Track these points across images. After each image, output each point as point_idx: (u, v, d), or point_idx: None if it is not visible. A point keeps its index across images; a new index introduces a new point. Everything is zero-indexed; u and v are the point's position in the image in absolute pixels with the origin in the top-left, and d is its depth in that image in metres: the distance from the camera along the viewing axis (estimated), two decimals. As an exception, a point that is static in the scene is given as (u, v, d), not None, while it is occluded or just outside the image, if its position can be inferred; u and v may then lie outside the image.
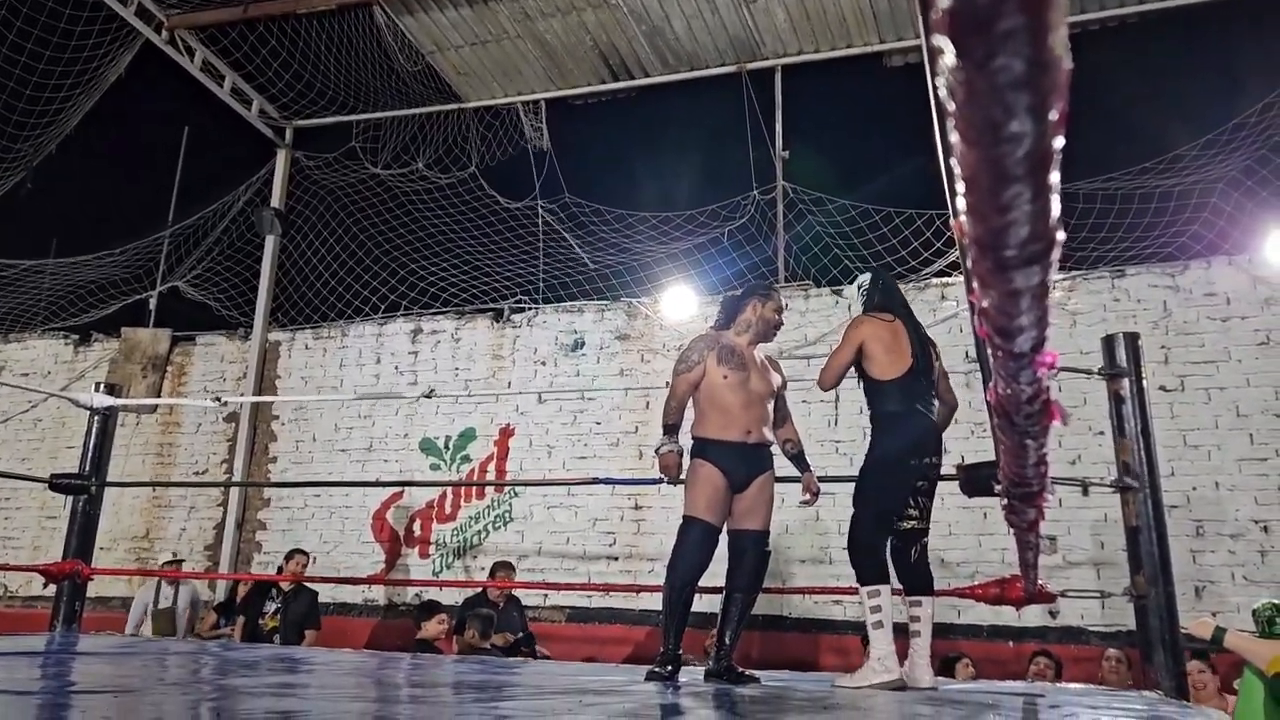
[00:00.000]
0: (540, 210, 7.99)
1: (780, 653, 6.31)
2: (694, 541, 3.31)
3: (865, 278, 3.75)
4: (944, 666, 5.22)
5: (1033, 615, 5.66)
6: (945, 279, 7.01)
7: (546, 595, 7.04)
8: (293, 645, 6.41)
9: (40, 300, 9.22)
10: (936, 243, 6.97)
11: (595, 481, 5.82)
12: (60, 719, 1.88)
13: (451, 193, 8.22)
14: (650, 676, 3.19)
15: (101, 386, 5.41)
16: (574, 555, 7.20)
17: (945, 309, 6.75)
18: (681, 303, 7.49)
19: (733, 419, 3.41)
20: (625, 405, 7.46)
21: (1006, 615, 5.46)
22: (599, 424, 7.49)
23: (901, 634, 3.24)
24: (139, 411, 8.63)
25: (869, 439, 3.46)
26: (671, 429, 3.46)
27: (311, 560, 7.23)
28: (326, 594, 7.68)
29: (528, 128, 8.31)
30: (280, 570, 6.94)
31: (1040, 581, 3.47)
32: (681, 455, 3.43)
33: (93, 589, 5.58)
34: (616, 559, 7.13)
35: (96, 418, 5.25)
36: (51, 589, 5.19)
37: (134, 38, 7.76)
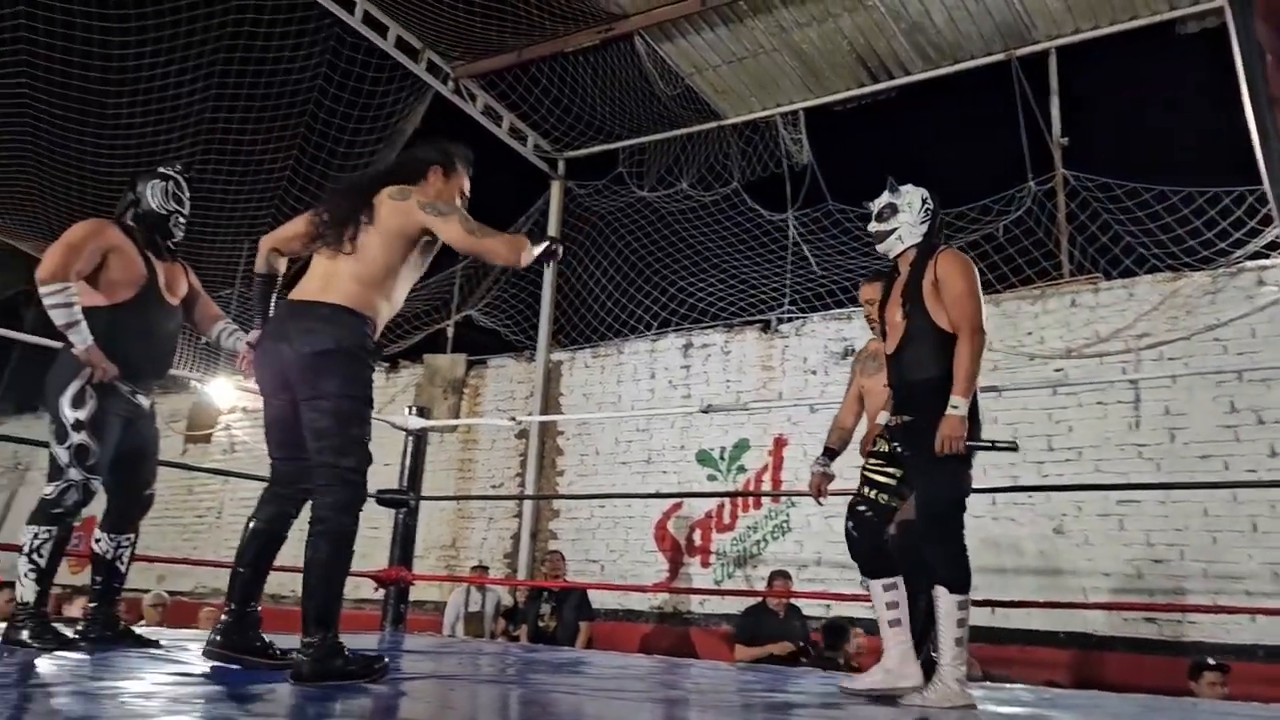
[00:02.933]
0: (792, 225, 7.99)
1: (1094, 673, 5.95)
2: None
3: (921, 193, 3.06)
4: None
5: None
6: (1262, 261, 6.33)
7: (829, 605, 7.00)
8: (570, 641, 6.89)
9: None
10: (1250, 220, 6.31)
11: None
12: (398, 705, 2.13)
13: (715, 209, 8.40)
14: None
15: (414, 410, 5.99)
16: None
17: (1265, 295, 6.10)
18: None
19: None
20: (900, 412, 7.28)
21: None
22: (875, 432, 7.36)
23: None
24: (442, 431, 9.44)
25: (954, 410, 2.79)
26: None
27: (600, 568, 7.63)
28: (613, 600, 8.06)
29: (787, 140, 8.34)
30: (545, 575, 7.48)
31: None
32: None
33: (412, 593, 6.16)
34: (900, 570, 6.97)
35: (411, 438, 5.81)
36: (379, 593, 5.81)
37: (425, 91, 8.54)
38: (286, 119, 8.18)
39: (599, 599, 7.66)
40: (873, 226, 3.10)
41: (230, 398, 10.72)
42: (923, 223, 3.00)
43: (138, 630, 3.38)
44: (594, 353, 9.12)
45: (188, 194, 3.31)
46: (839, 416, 3.89)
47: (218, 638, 2.60)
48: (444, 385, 9.78)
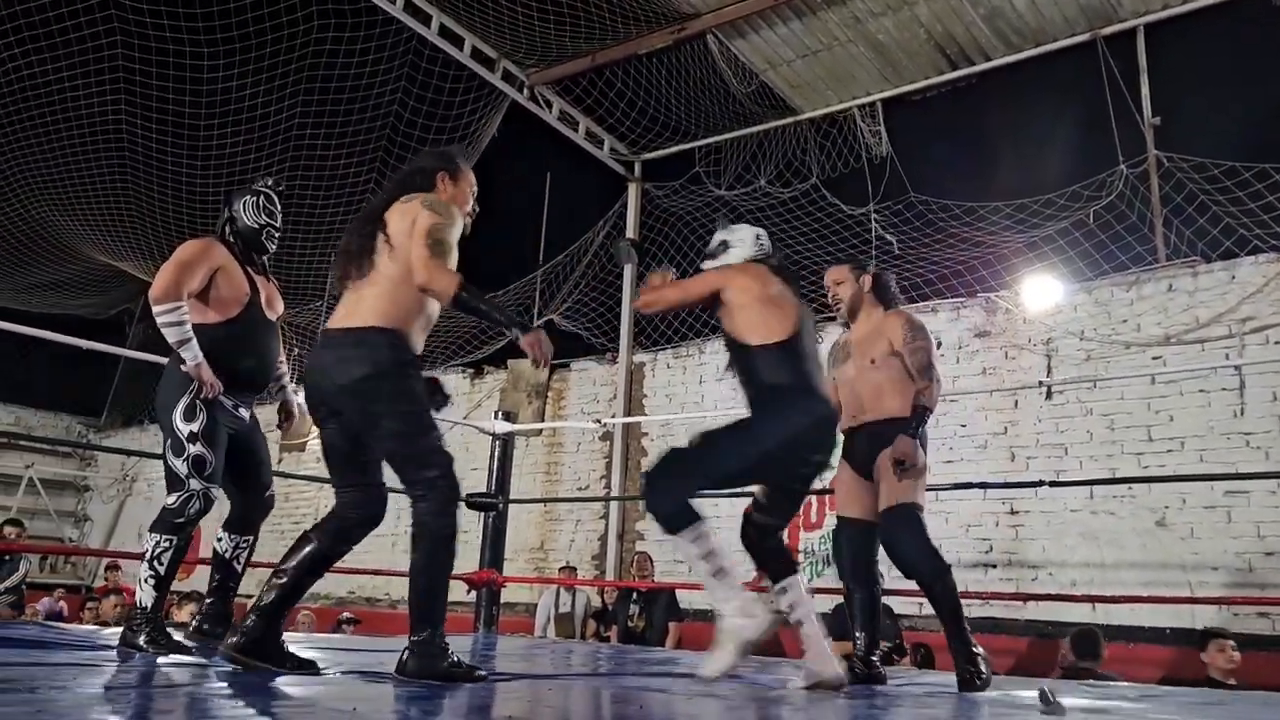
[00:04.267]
0: (873, 220, 7.87)
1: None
2: None
3: (756, 231, 3.33)
4: None
5: None
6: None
7: (922, 604, 6.88)
8: (660, 641, 6.91)
9: (440, 341, 10.49)
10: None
11: (966, 486, 5.62)
12: (494, 702, 2.16)
13: (794, 205, 8.33)
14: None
15: (499, 415, 6.07)
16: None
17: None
18: (1045, 293, 7.05)
19: None
20: (991, 405, 7.13)
21: None
22: (964, 426, 7.22)
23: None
24: (527, 435, 9.56)
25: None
26: None
27: (689, 569, 7.61)
28: (701, 600, 8.05)
29: (865, 132, 8.23)
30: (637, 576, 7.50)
31: None
32: None
33: (503, 595, 6.24)
34: (994, 566, 6.82)
35: (498, 443, 5.90)
36: (471, 595, 5.91)
37: (501, 100, 8.66)
38: (369, 134, 8.39)
39: (687, 599, 7.65)
40: (706, 264, 3.33)
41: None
42: (754, 259, 3.22)
43: None
44: (675, 353, 9.12)
45: (279, 206, 3.40)
46: None
47: (240, 639, 2.54)
48: (528, 390, 9.90)
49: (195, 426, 3.04)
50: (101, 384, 14.15)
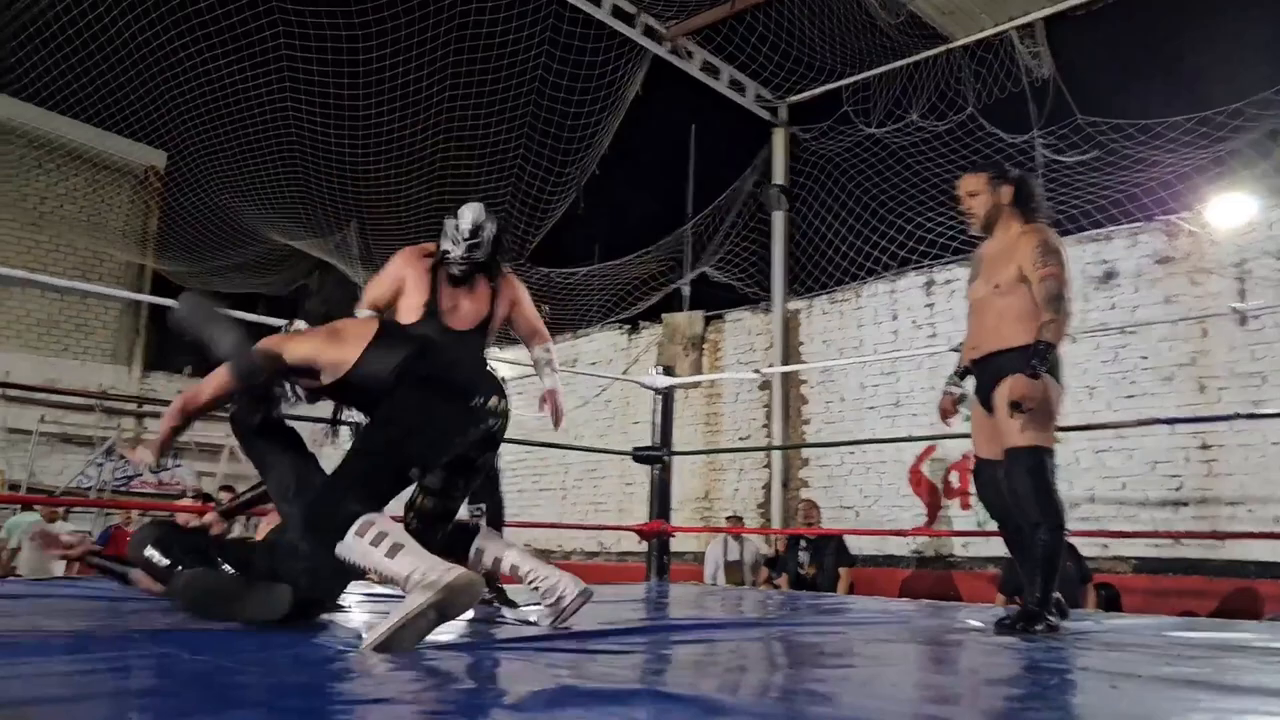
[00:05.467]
0: (1038, 143, 7.44)
1: None
2: None
3: None
4: None
5: None
6: None
7: (1106, 544, 6.61)
8: (831, 587, 6.90)
9: (595, 300, 10.67)
10: None
11: (1151, 422, 5.33)
12: (664, 645, 2.22)
13: (950, 138, 7.98)
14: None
15: (660, 369, 6.15)
16: (1133, 502, 6.67)
17: None
18: (1235, 211, 6.55)
19: None
20: (1176, 335, 6.72)
21: None
22: (1145, 358, 6.83)
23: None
24: (685, 387, 9.64)
25: None
26: None
27: (855, 514, 7.58)
28: (871, 545, 7.98)
29: (1025, 54, 7.79)
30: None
31: None
32: None
33: (671, 545, 6.37)
34: (1185, 504, 6.46)
35: (659, 396, 5.99)
36: (642, 545, 6.06)
37: (643, 55, 8.64)
38: (515, 100, 8.54)
39: (856, 544, 7.60)
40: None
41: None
42: None
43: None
44: (831, 298, 8.98)
45: (465, 232, 3.49)
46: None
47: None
48: (684, 342, 9.97)
49: None
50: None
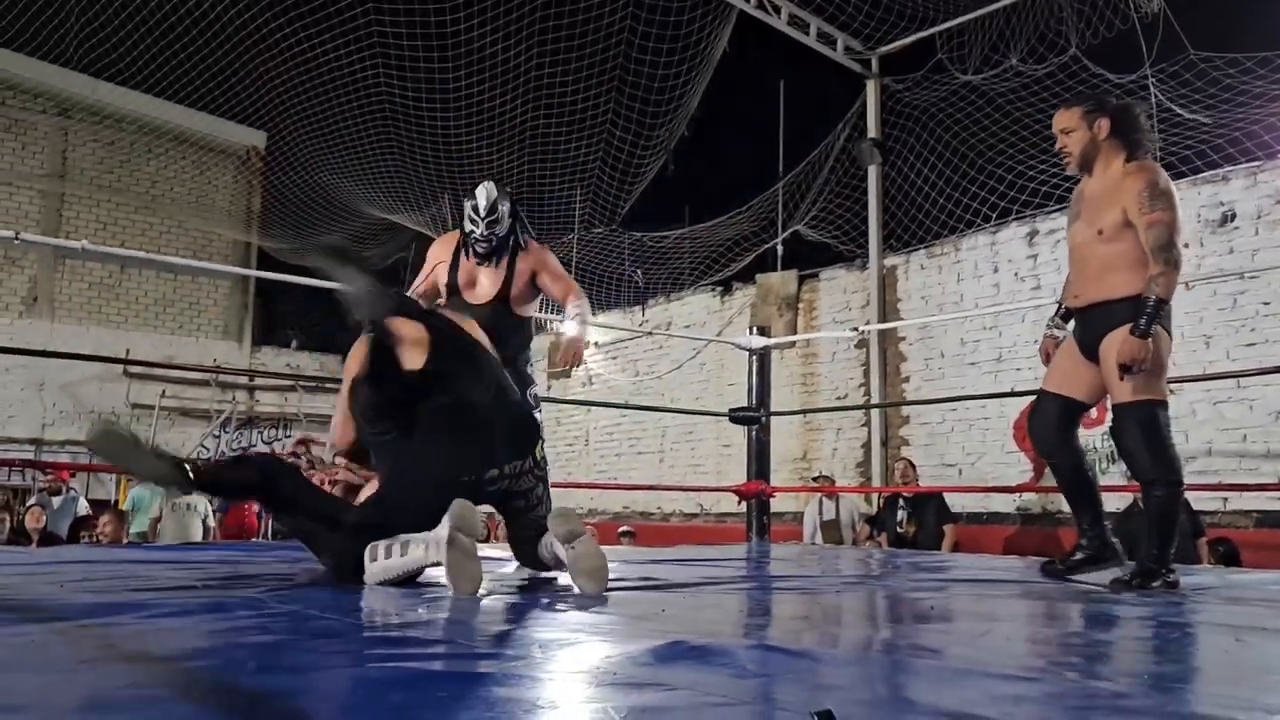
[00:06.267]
0: (1151, 82, 7.09)
1: None
2: None
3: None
4: None
5: None
6: None
7: (1226, 499, 6.37)
8: (933, 545, 6.82)
9: (687, 262, 10.65)
10: None
11: (1275, 370, 5.09)
12: (768, 602, 2.24)
13: (1052, 81, 7.67)
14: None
15: (754, 330, 6.12)
16: (1255, 454, 6.39)
17: None
18: (1364, 145, 6.17)
19: None
20: (1299, 279, 6.39)
21: None
22: (1267, 304, 6.51)
23: None
24: (780, 347, 9.58)
25: None
26: None
27: (959, 472, 7.45)
28: (974, 503, 7.85)
29: (1131, -12, 7.41)
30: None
31: None
32: None
33: (771, 505, 6.37)
34: (1312, 456, 6.18)
35: (755, 358, 5.96)
36: (741, 506, 6.08)
37: (729, 12, 8.53)
38: (602, 64, 8.54)
39: (959, 502, 7.48)
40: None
41: (582, 334, 11.53)
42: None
43: None
44: (929, 253, 8.78)
45: (482, 210, 3.66)
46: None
47: None
48: (778, 302, 9.89)
49: None
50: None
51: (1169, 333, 2.94)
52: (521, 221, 3.82)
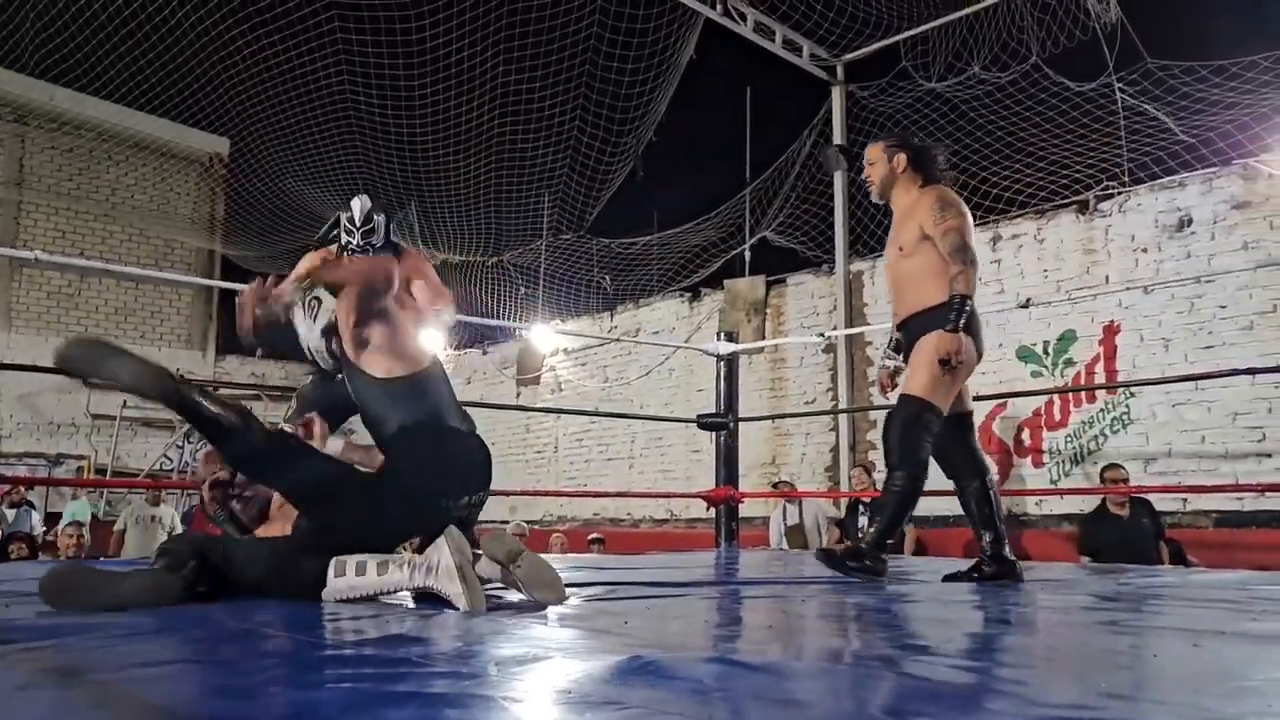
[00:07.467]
0: (1116, 88, 7.19)
1: None
2: None
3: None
4: None
5: None
6: None
7: (1185, 500, 6.46)
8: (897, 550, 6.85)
9: (656, 269, 10.66)
10: None
11: (1231, 373, 5.17)
12: (738, 607, 2.23)
13: (1014, 89, 7.76)
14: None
15: (723, 336, 6.13)
16: (1214, 455, 6.49)
17: None
18: (1317, 151, 6.29)
19: None
20: (1255, 283, 6.49)
21: None
22: (1224, 308, 6.61)
23: None
24: (749, 353, 9.60)
25: None
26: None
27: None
28: (941, 505, 7.88)
29: (1091, 3, 7.51)
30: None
31: None
32: None
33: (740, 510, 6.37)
34: (1269, 456, 6.26)
35: (723, 363, 5.97)
36: (710, 512, 6.08)
37: (696, 19, 8.55)
38: (569, 71, 8.53)
39: (923, 505, 7.51)
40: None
41: (551, 341, 11.52)
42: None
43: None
44: (894, 258, 8.83)
45: (357, 220, 3.74)
46: None
47: None
48: (746, 308, 9.92)
49: None
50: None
51: (980, 351, 3.14)
52: (395, 233, 3.95)
